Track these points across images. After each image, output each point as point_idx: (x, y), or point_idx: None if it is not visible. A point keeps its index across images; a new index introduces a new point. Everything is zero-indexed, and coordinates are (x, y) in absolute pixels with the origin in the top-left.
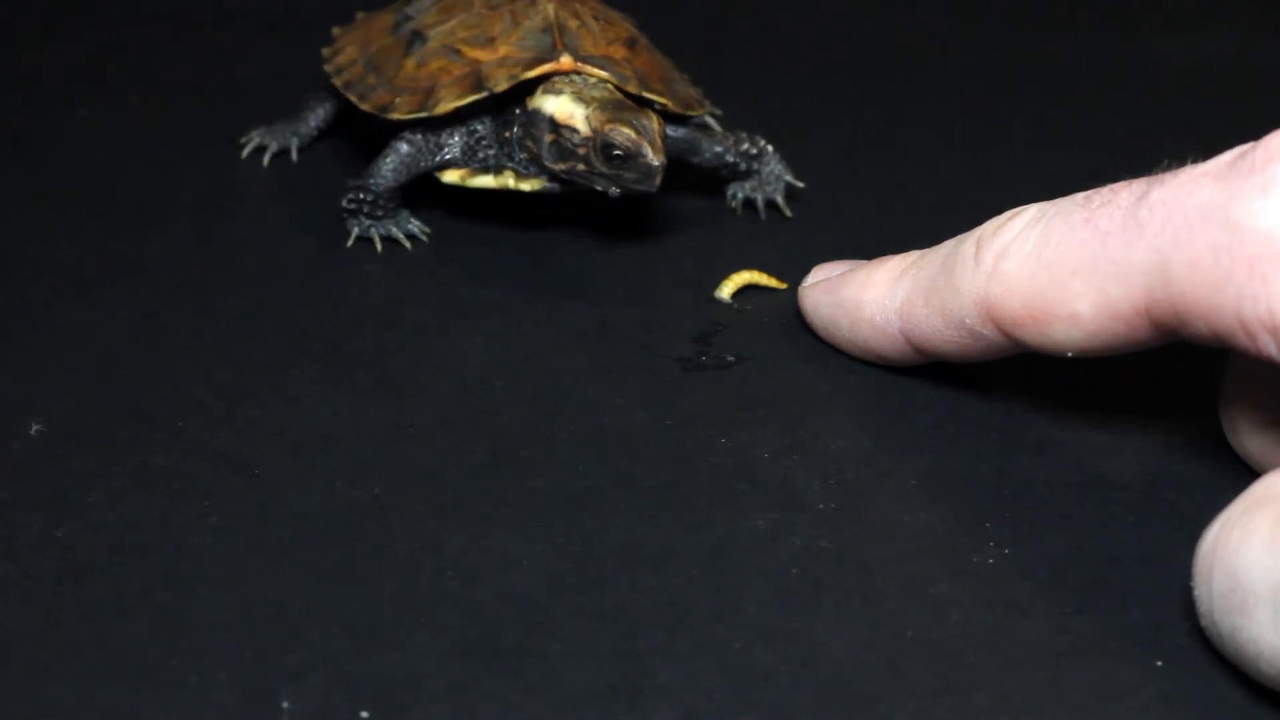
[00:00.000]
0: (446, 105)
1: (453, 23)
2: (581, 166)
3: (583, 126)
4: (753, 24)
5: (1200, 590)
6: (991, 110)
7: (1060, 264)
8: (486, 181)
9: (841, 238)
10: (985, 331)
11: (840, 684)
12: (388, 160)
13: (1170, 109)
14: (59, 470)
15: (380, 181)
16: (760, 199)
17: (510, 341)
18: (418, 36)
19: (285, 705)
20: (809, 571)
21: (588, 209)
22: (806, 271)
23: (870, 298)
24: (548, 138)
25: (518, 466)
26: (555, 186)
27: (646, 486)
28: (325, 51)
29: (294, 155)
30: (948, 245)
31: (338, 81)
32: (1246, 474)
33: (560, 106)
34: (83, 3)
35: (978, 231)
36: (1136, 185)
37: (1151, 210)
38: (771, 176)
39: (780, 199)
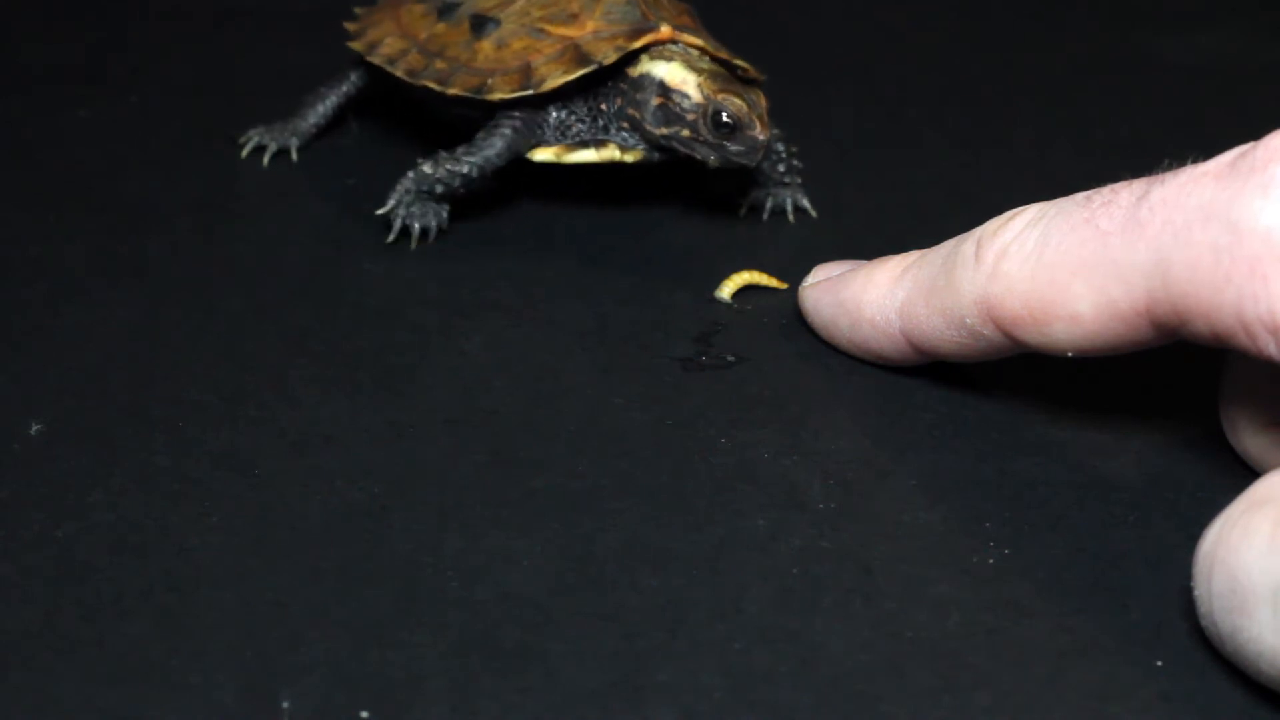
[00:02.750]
0: (554, 81)
1: (520, 3)
2: (686, 133)
3: (695, 93)
4: (753, 24)
5: (1200, 590)
6: (992, 110)
7: (1061, 264)
8: (588, 156)
9: (841, 238)
10: (985, 331)
11: (840, 684)
12: (494, 142)
13: (1170, 109)
14: (59, 470)
15: (486, 164)
16: (771, 202)
17: (510, 341)
18: (486, 20)
19: (285, 705)
20: (809, 571)
21: (590, 207)
22: (806, 271)
23: (870, 298)
24: (655, 101)
25: (518, 466)
26: (655, 156)
27: (646, 486)
28: (357, 46)
29: (294, 155)
30: (948, 245)
31: (398, 71)
32: (1246, 474)
33: (671, 72)
34: (83, 3)
35: (978, 231)
36: (1137, 185)
37: (1152, 210)
38: (790, 192)
39: (789, 208)
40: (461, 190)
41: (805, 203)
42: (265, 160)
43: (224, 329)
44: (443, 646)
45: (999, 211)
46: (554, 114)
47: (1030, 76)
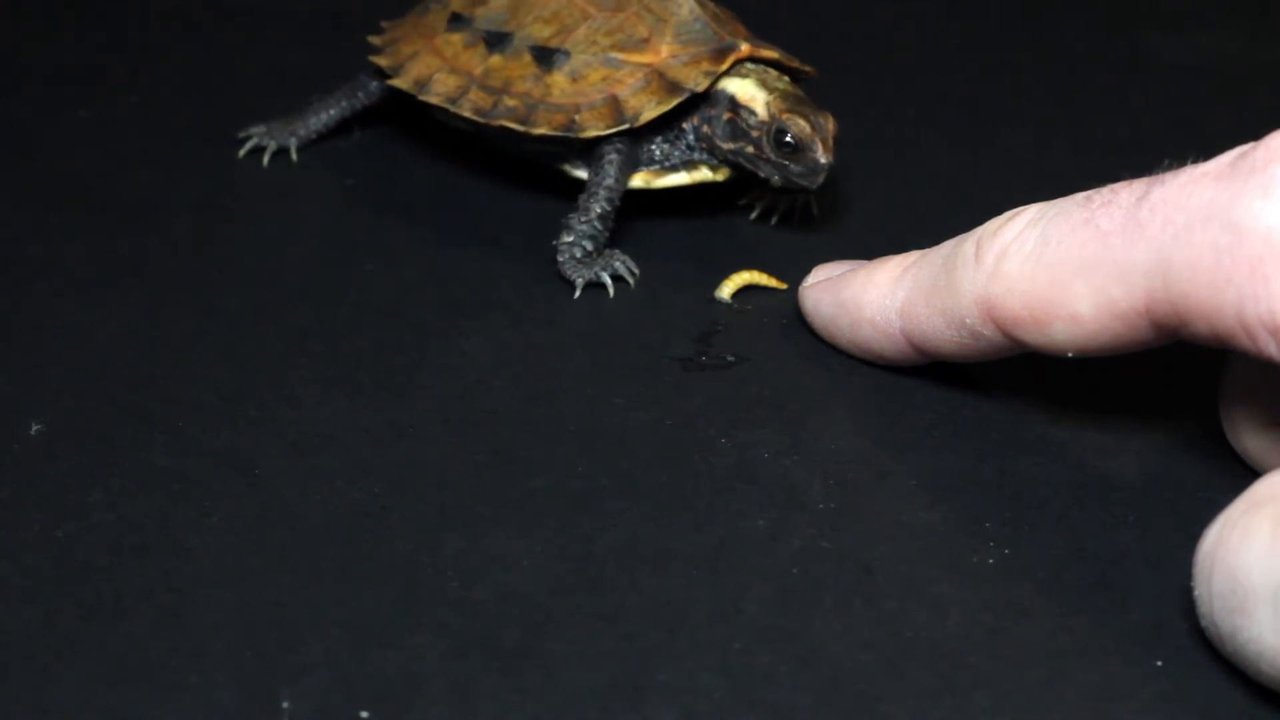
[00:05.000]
0: (650, 113)
1: (581, 31)
2: (751, 149)
3: (761, 110)
4: (753, 25)
5: (1200, 590)
6: (991, 110)
7: (1061, 264)
8: (679, 179)
9: (842, 238)
10: (986, 331)
11: (840, 684)
12: (608, 171)
13: (1170, 109)
14: (59, 470)
15: (611, 195)
16: (781, 209)
17: (510, 341)
18: (552, 51)
19: (285, 705)
20: (809, 571)
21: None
22: (806, 271)
23: (871, 298)
24: (725, 116)
25: (518, 466)
26: (738, 173)
27: (646, 486)
28: (401, 84)
29: (293, 155)
30: (948, 245)
31: (464, 110)
32: (1246, 474)
33: (743, 88)
34: (83, 3)
35: (978, 231)
36: (1137, 185)
37: (1152, 210)
38: (805, 197)
39: (797, 209)
40: (609, 229)
41: (813, 205)
42: (265, 160)
43: (224, 329)
44: (443, 646)
45: (999, 211)
46: (653, 145)
47: (1030, 76)
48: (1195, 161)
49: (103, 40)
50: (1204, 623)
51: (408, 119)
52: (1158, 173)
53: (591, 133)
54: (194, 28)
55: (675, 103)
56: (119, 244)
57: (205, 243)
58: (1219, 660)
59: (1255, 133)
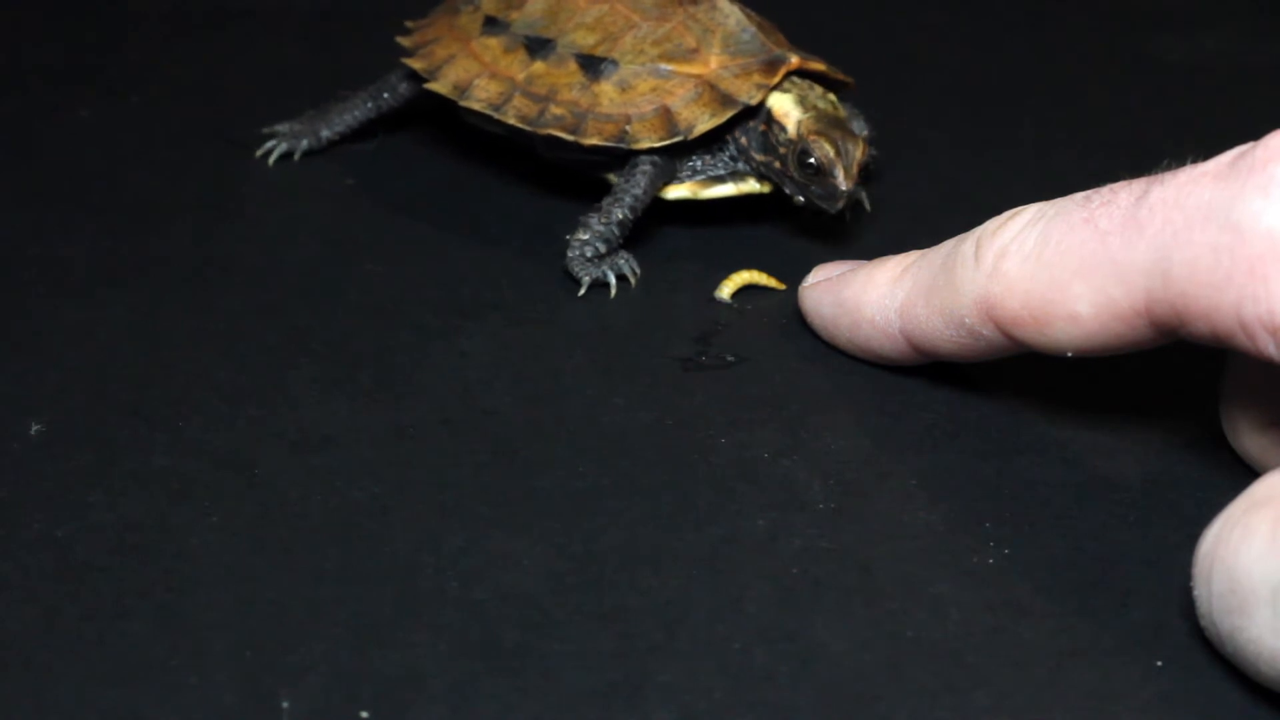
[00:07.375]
0: (704, 126)
1: (628, 40)
2: (778, 164)
3: (791, 128)
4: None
5: (1200, 590)
6: (993, 110)
7: (1060, 264)
8: (725, 191)
9: (842, 238)
10: (985, 331)
11: (840, 684)
12: (638, 180)
13: (1170, 109)
14: (59, 470)
15: (636, 204)
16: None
17: (510, 341)
18: (600, 60)
19: (285, 705)
20: (809, 571)
21: (591, 207)
22: (806, 271)
23: (870, 298)
24: (760, 128)
25: (518, 466)
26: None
27: (646, 486)
28: (438, 88)
29: (296, 156)
30: (948, 245)
31: (508, 118)
32: (1246, 474)
33: (780, 103)
34: (83, 3)
35: (978, 231)
36: (1136, 185)
37: (1152, 210)
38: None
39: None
40: (624, 235)
41: (863, 197)
42: (271, 160)
43: (224, 329)
44: (443, 646)
45: (999, 211)
46: (693, 157)
47: (1030, 76)
48: (1195, 161)
49: (103, 40)
50: (1204, 623)
51: (410, 120)
52: (1157, 173)
53: (644, 144)
54: (194, 28)
55: (729, 115)
56: (119, 244)
57: (205, 243)
58: (1219, 660)
59: (1255, 133)
